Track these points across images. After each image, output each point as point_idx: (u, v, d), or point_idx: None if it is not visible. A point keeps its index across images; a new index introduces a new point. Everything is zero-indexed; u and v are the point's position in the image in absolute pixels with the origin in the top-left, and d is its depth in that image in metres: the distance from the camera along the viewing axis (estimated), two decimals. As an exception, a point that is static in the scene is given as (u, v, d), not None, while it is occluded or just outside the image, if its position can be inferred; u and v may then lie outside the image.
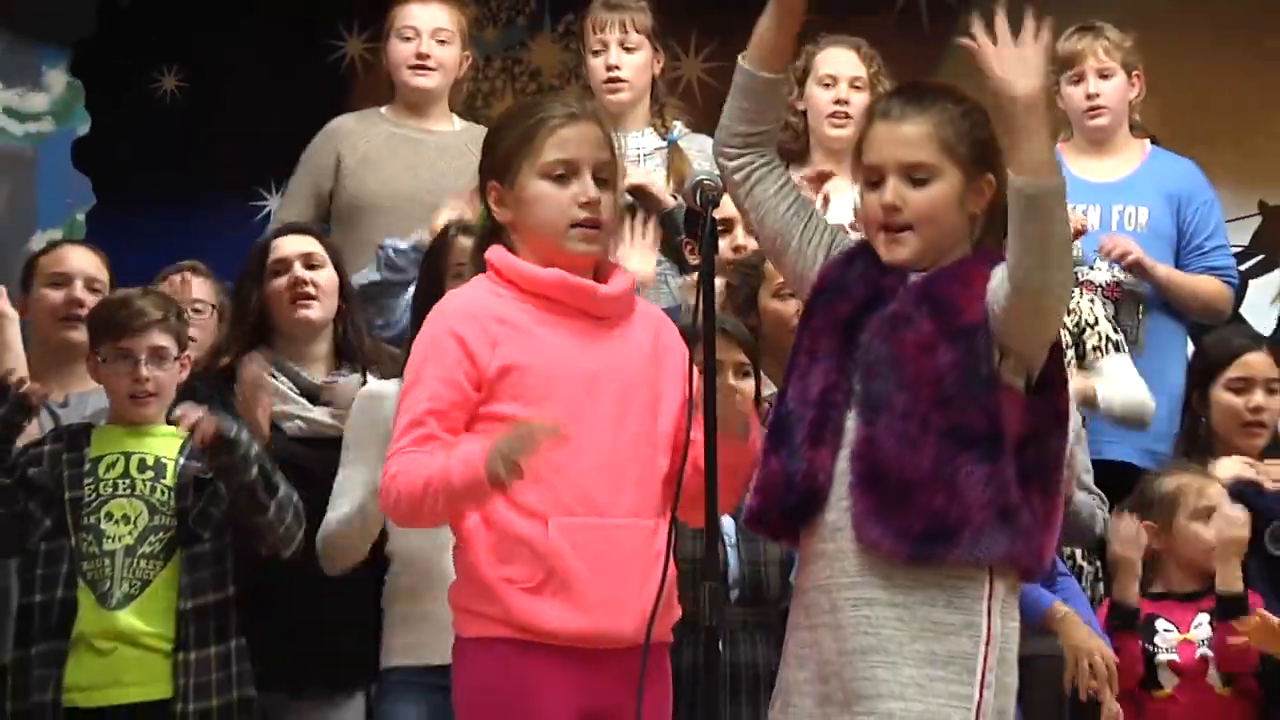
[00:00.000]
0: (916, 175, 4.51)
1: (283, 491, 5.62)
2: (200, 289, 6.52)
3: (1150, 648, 5.91)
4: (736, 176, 4.70)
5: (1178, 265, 6.93)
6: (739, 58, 4.73)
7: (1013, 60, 4.31)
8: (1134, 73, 6.94)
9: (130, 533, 5.61)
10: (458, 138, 7.07)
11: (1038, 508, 4.46)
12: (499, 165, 4.60)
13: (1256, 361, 6.36)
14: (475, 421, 4.47)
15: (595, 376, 4.49)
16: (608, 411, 4.49)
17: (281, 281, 6.00)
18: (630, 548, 4.45)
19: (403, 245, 6.42)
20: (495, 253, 4.58)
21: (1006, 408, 4.42)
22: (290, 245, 6.09)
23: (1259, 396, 6.31)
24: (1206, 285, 6.95)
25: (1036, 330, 4.42)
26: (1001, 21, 4.34)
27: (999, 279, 4.38)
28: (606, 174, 4.58)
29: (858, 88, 6.88)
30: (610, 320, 4.58)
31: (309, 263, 6.05)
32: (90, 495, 5.62)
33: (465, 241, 5.51)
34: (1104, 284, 6.68)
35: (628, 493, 4.48)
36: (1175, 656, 5.90)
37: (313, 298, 6.01)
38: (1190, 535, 5.98)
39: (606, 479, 4.48)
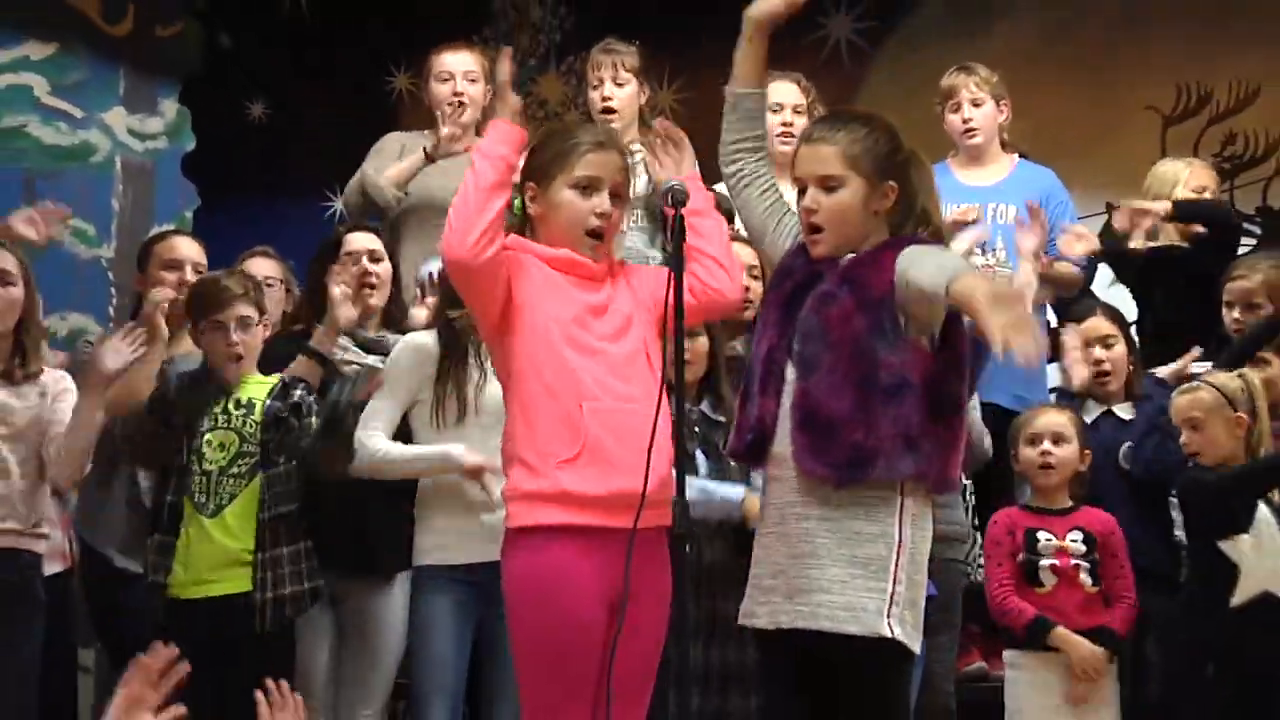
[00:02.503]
0: (829, 185, 4.61)
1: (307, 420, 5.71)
2: (270, 268, 6.52)
3: (1030, 555, 5.86)
4: (731, 181, 4.85)
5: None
6: (725, 87, 4.84)
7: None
8: (1001, 101, 6.94)
9: (225, 457, 5.68)
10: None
11: (941, 436, 4.52)
12: (537, 171, 4.70)
13: (1097, 324, 6.39)
14: (515, 337, 4.58)
15: (597, 307, 4.62)
16: (610, 329, 4.60)
17: (351, 270, 6.00)
18: (641, 422, 4.47)
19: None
20: (513, 239, 4.67)
21: (912, 359, 4.49)
22: (359, 241, 6.14)
23: (1099, 350, 6.33)
24: (1060, 269, 6.96)
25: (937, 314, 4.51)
26: None
27: (903, 266, 4.47)
28: (620, 191, 4.70)
29: (799, 113, 6.88)
30: (594, 279, 4.67)
31: (373, 257, 6.11)
32: (198, 425, 5.70)
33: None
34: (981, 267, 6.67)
35: (634, 384, 4.56)
36: (1055, 561, 5.83)
37: (374, 287, 6.07)
38: (1022, 459, 6.00)
39: (617, 375, 4.56)
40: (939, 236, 4.66)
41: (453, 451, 5.49)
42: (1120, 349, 6.37)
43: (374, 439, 5.61)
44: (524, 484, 4.52)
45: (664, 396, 4.52)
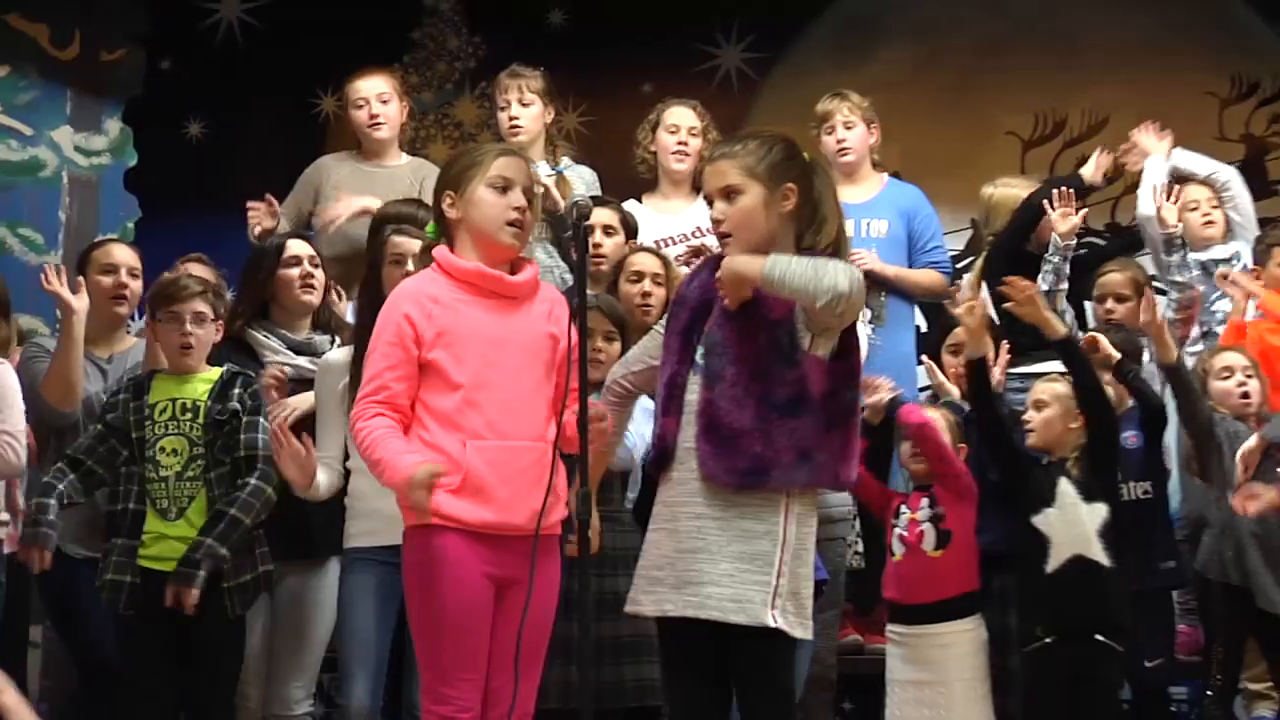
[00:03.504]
0: (730, 193, 4.62)
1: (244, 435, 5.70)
2: (204, 274, 6.50)
3: (893, 522, 5.87)
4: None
5: (910, 262, 6.99)
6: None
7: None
8: (871, 125, 7.00)
9: (179, 462, 5.67)
10: (404, 169, 7.12)
11: (835, 444, 4.56)
12: (453, 179, 4.70)
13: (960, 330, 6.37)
14: (421, 369, 4.55)
15: (503, 340, 4.57)
16: (512, 365, 4.57)
17: (294, 272, 6.03)
18: (526, 462, 4.52)
19: None
20: (439, 251, 4.68)
21: (811, 374, 4.52)
22: (300, 247, 6.12)
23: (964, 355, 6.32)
24: (925, 276, 7.01)
25: (835, 325, 4.52)
26: None
27: None
28: (529, 194, 4.71)
29: (694, 134, 6.92)
30: (518, 300, 4.65)
31: (314, 262, 6.08)
32: (149, 434, 5.68)
33: (397, 237, 5.56)
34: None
35: (525, 422, 4.55)
36: (905, 532, 5.84)
37: (315, 288, 6.06)
38: (901, 451, 5.99)
39: (509, 412, 4.55)
40: (837, 247, 4.64)
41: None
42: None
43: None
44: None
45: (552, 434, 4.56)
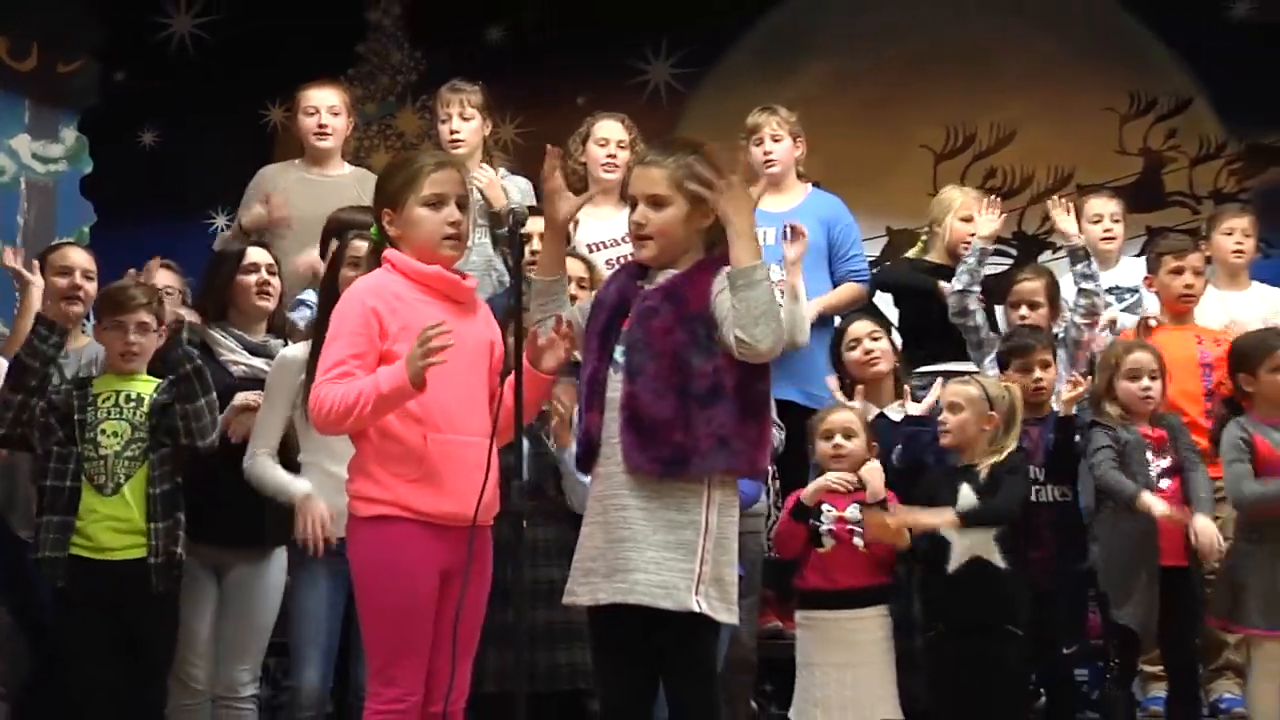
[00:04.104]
0: (656, 203, 4.64)
1: (210, 397, 5.70)
2: (170, 279, 6.50)
3: (816, 522, 5.87)
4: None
5: (831, 272, 6.98)
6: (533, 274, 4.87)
7: (733, 196, 4.52)
8: (798, 138, 7.00)
9: (119, 443, 5.68)
10: (347, 178, 7.12)
11: (751, 433, 4.58)
12: (390, 198, 4.70)
13: (856, 327, 6.41)
14: (382, 361, 4.54)
15: (456, 340, 4.53)
16: (463, 364, 4.56)
17: (251, 279, 6.01)
18: (478, 456, 4.51)
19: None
20: (392, 254, 4.67)
21: (726, 367, 4.53)
22: (259, 255, 6.11)
23: (866, 344, 6.32)
24: (848, 293, 6.99)
25: (729, 350, 4.53)
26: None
27: (720, 286, 4.54)
28: (463, 202, 4.70)
29: (622, 147, 6.92)
30: (465, 305, 4.68)
31: (271, 270, 6.07)
32: (91, 418, 5.69)
33: (359, 241, 5.56)
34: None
35: (476, 419, 4.57)
36: (834, 526, 5.85)
37: (270, 294, 6.05)
38: (818, 451, 6.00)
39: (462, 408, 4.57)
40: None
41: (297, 495, 5.54)
42: (885, 344, 6.41)
43: (253, 460, 5.66)
44: (369, 492, 4.56)
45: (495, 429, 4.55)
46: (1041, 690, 6.34)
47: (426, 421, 4.52)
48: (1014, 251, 7.57)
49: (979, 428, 5.90)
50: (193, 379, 5.68)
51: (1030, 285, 6.71)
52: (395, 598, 4.51)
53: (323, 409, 4.51)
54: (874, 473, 5.88)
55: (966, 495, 5.81)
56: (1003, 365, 6.36)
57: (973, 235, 6.79)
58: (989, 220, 6.76)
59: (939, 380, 6.26)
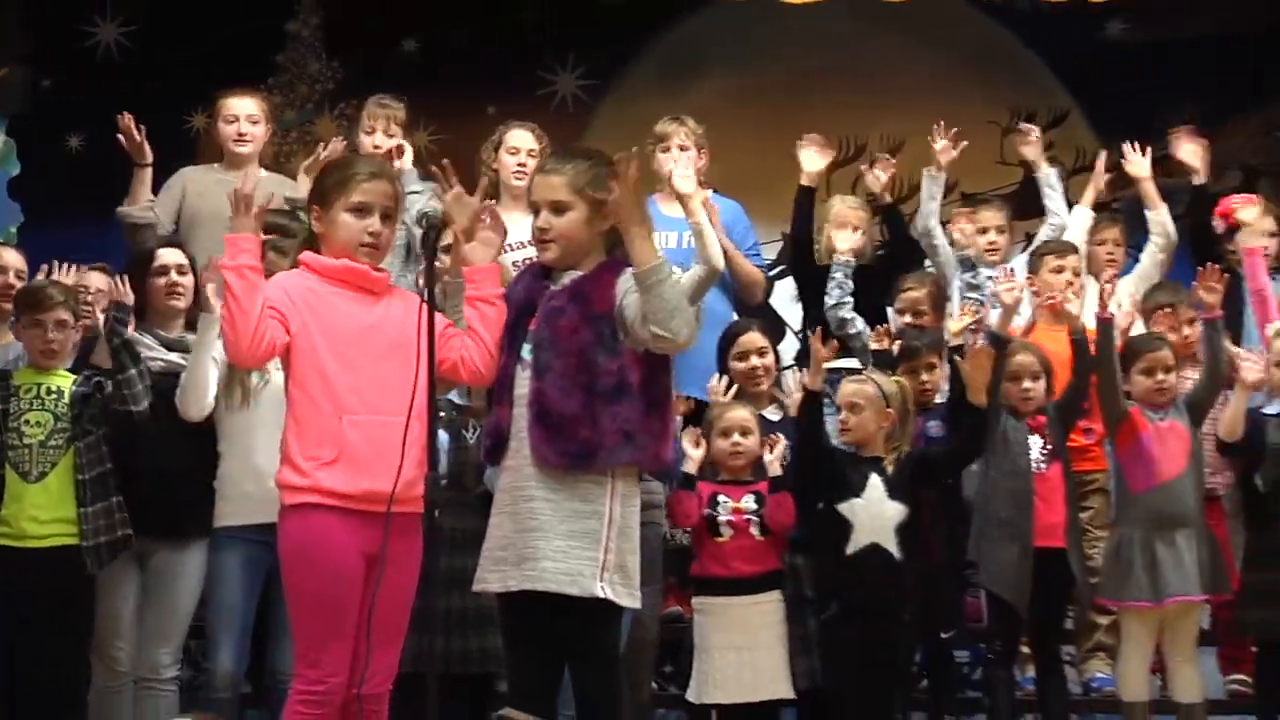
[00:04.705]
0: (558, 208, 4.65)
1: (140, 367, 5.70)
2: (102, 281, 6.41)
3: (712, 512, 5.90)
4: None
5: (729, 270, 6.99)
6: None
7: (624, 203, 4.50)
8: (702, 149, 7.02)
9: (42, 433, 5.68)
10: (262, 182, 6.97)
11: (655, 427, 4.60)
12: (321, 196, 4.71)
13: (748, 339, 6.36)
14: (292, 354, 4.55)
15: (370, 327, 4.58)
16: (378, 348, 4.57)
17: (160, 281, 5.99)
18: (396, 437, 4.48)
19: None
20: (306, 256, 4.69)
21: (631, 363, 4.54)
22: (169, 256, 6.08)
23: (753, 360, 6.29)
24: (753, 267, 7.00)
25: (647, 347, 4.56)
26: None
27: (625, 287, 4.55)
28: (390, 214, 4.70)
29: (532, 155, 6.88)
30: (378, 294, 4.66)
31: (181, 270, 6.03)
32: (14, 409, 5.70)
33: (273, 254, 5.55)
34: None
35: (394, 401, 4.51)
36: (731, 517, 5.89)
37: (181, 294, 6.01)
38: (715, 449, 6.01)
39: (379, 391, 4.54)
40: None
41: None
42: (770, 359, 6.40)
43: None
44: (292, 480, 4.54)
45: (413, 410, 4.51)
46: (924, 672, 6.40)
47: (342, 404, 4.51)
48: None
49: (878, 425, 5.95)
50: (123, 351, 5.67)
51: (914, 294, 6.76)
52: (320, 584, 4.50)
53: (227, 338, 4.56)
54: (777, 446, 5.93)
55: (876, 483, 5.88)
56: (892, 366, 6.42)
57: (854, 244, 6.85)
58: (846, 238, 6.81)
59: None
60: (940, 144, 7.06)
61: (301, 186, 6.76)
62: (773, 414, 6.28)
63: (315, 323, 4.55)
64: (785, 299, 7.67)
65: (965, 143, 7.04)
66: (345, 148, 6.86)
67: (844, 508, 5.88)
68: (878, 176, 7.18)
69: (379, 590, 4.49)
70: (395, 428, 4.48)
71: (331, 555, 4.49)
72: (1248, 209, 6.64)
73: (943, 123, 7.14)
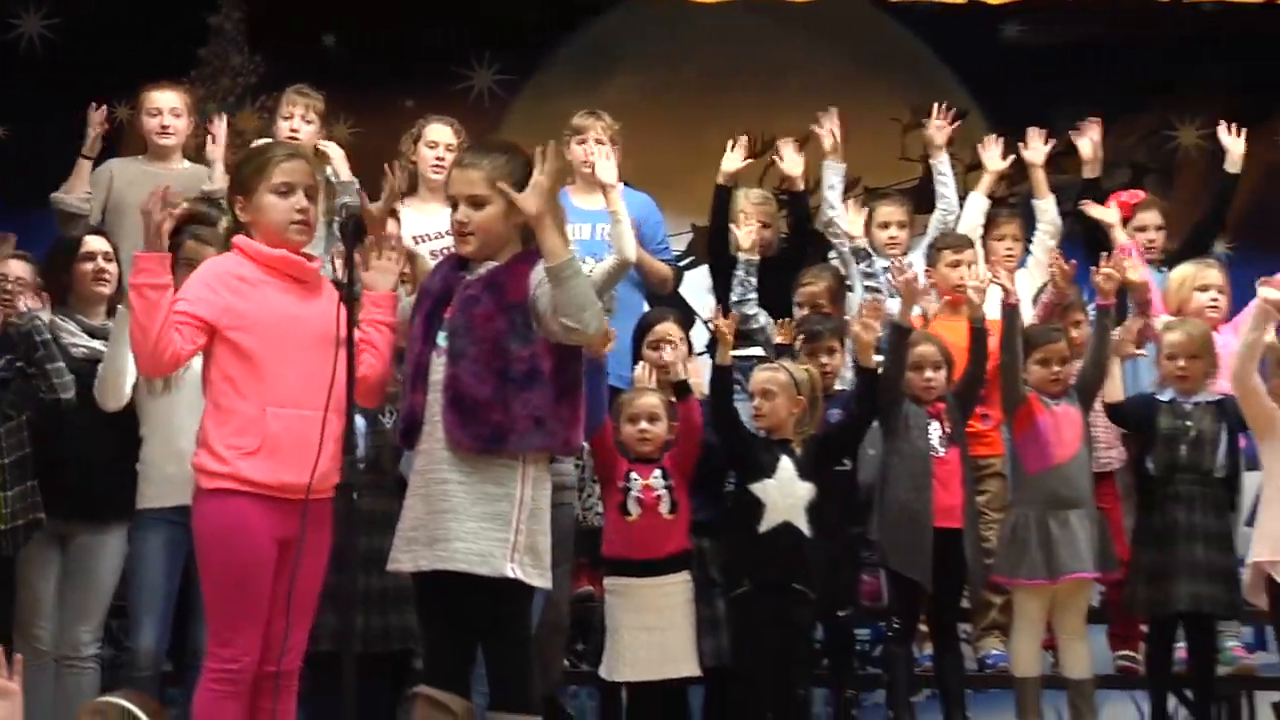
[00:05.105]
0: (476, 202, 4.65)
1: (63, 362, 5.68)
2: (23, 269, 6.33)
3: (625, 484, 5.92)
4: None
5: (640, 264, 7.03)
6: None
7: (529, 194, 4.50)
8: (615, 144, 7.02)
9: None
10: (187, 172, 7.00)
11: (565, 413, 4.61)
12: (242, 185, 4.70)
13: (662, 329, 6.38)
14: (216, 343, 4.52)
15: (300, 319, 4.57)
16: (307, 341, 4.56)
17: (88, 267, 5.94)
18: (316, 431, 4.49)
19: None
20: (240, 239, 4.66)
21: (543, 352, 4.56)
22: (95, 243, 6.02)
23: (665, 349, 6.29)
24: (660, 264, 7.02)
25: (559, 339, 4.56)
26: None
27: (539, 278, 4.55)
28: (311, 193, 4.69)
29: (450, 150, 6.82)
30: (309, 286, 4.65)
31: (107, 257, 5.98)
32: None
33: (191, 241, 5.52)
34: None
35: (316, 393, 4.50)
36: (641, 495, 5.91)
37: (107, 280, 5.95)
38: (624, 433, 5.99)
39: (304, 383, 4.53)
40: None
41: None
42: (683, 349, 6.39)
43: None
44: (210, 466, 4.53)
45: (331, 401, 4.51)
46: (825, 649, 6.43)
47: (266, 395, 4.50)
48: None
49: (789, 411, 5.98)
50: (51, 344, 5.65)
51: (812, 289, 6.77)
52: (234, 566, 4.50)
53: (137, 356, 4.59)
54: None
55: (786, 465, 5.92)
56: (795, 350, 6.45)
57: (756, 239, 6.87)
58: (747, 233, 6.84)
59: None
60: (823, 130, 7.05)
61: (218, 179, 6.73)
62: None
63: (245, 312, 4.54)
64: (698, 289, 7.70)
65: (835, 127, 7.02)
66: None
67: (756, 488, 5.92)
68: (788, 158, 7.18)
69: (296, 574, 4.50)
70: (315, 421, 4.48)
71: (247, 540, 4.49)
72: (1136, 269, 6.71)
73: (831, 110, 7.15)
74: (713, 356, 6.38)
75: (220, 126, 7.05)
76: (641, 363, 6.32)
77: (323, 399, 4.49)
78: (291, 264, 4.63)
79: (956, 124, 7.34)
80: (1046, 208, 7.20)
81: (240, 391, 4.51)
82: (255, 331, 4.53)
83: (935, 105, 7.38)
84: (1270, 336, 5.83)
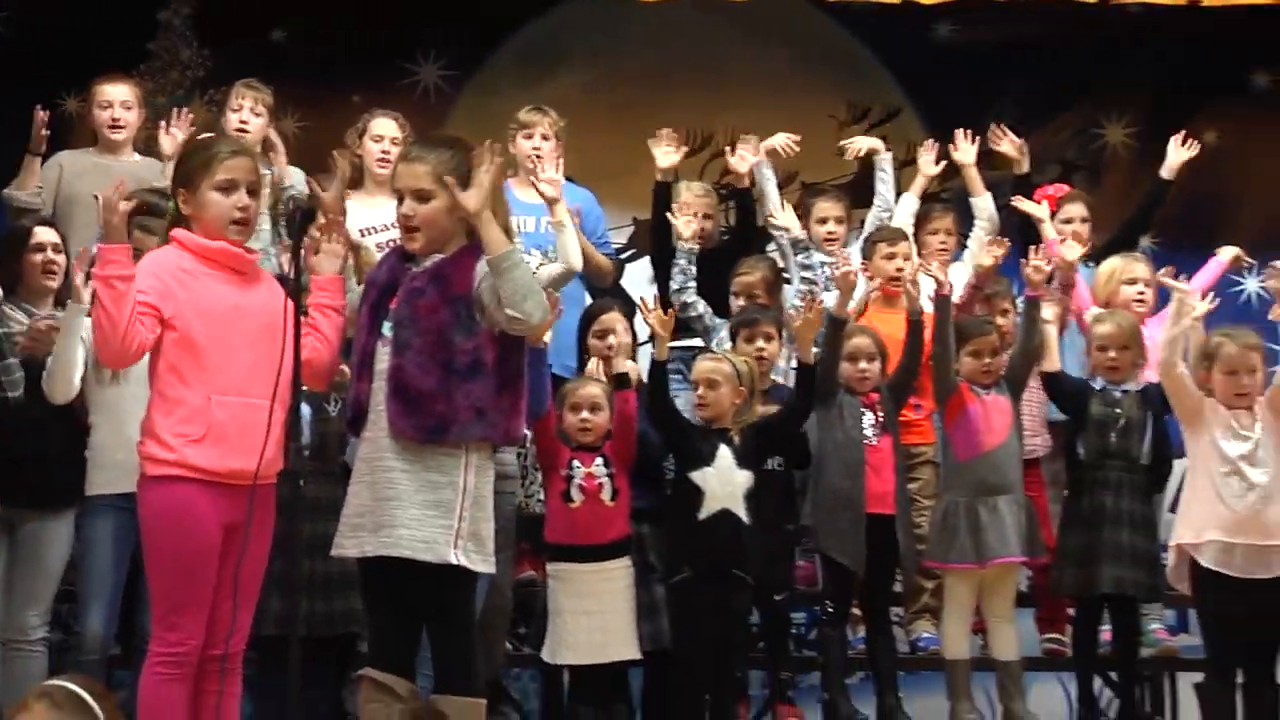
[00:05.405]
0: (421, 196, 4.64)
1: (16, 358, 5.66)
2: None
3: (568, 472, 5.94)
4: None
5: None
6: None
7: (471, 192, 4.50)
8: (560, 140, 7.02)
9: None
10: (136, 166, 6.95)
11: (506, 404, 4.61)
12: (185, 179, 4.67)
13: (608, 319, 6.41)
14: (165, 329, 4.50)
15: (242, 309, 4.56)
16: (249, 331, 4.56)
17: (37, 258, 5.90)
18: (261, 418, 4.48)
19: None
20: (179, 232, 4.65)
21: (486, 344, 4.55)
22: (45, 235, 5.99)
23: (610, 339, 6.31)
24: (602, 258, 7.01)
25: (504, 329, 4.57)
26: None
27: (483, 270, 4.55)
28: (254, 189, 4.67)
29: (396, 144, 6.82)
30: (248, 277, 4.64)
31: (56, 249, 5.94)
32: None
33: (138, 232, 5.47)
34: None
35: (260, 382, 4.50)
36: (584, 483, 5.93)
37: (55, 272, 5.91)
38: (566, 422, 6.02)
39: (248, 373, 4.52)
40: (509, 236, 4.68)
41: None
42: (627, 339, 6.42)
43: None
44: (155, 453, 4.52)
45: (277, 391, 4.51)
46: (762, 632, 6.46)
47: (210, 384, 4.49)
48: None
49: (732, 401, 5.99)
50: (2, 342, 5.62)
51: (748, 279, 6.76)
52: (179, 552, 4.49)
53: (100, 347, 4.52)
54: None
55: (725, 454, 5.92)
56: (733, 337, 6.46)
57: (696, 229, 6.86)
58: (686, 223, 6.83)
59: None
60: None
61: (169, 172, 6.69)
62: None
63: (189, 303, 4.52)
64: (640, 281, 7.71)
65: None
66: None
67: (696, 476, 5.93)
68: (742, 157, 7.18)
69: (243, 558, 4.49)
70: (261, 409, 4.48)
71: (193, 525, 4.48)
72: (1073, 249, 6.76)
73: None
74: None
75: (183, 122, 6.93)
76: (594, 359, 6.31)
77: (267, 387, 4.48)
78: (230, 255, 4.62)
79: (936, 145, 7.34)
80: (983, 205, 7.23)
81: (185, 381, 4.49)
82: (199, 322, 4.52)
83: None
84: (1189, 325, 5.92)
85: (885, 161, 7.33)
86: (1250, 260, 6.88)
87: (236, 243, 4.63)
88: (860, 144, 7.37)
